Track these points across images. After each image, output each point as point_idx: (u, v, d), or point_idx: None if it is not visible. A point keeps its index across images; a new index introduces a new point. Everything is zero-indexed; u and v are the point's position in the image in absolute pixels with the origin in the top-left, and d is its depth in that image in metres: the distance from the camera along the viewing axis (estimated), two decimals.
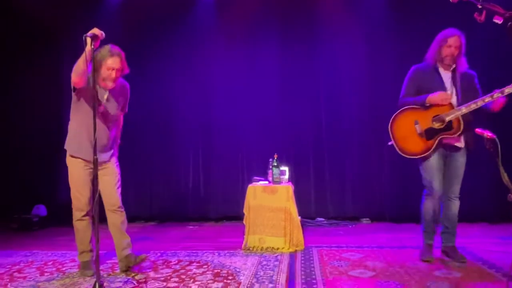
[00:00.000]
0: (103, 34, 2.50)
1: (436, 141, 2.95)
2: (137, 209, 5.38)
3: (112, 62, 2.72)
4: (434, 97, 2.91)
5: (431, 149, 2.96)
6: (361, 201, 5.06)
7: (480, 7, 1.97)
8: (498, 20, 1.87)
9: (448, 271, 2.83)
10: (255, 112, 5.19)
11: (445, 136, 2.94)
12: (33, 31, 5.34)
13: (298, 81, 5.20)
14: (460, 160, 3.03)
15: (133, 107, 5.22)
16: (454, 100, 2.95)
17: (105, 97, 2.83)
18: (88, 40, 2.41)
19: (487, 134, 2.42)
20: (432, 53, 3.04)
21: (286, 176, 3.96)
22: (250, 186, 3.79)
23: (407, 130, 3.03)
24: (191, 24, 5.32)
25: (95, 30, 2.44)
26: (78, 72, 2.56)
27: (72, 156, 2.87)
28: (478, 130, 2.64)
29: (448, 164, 3.06)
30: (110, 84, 2.79)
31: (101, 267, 2.91)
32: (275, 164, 3.85)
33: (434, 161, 3.02)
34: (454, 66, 3.01)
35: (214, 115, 5.31)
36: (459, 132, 2.90)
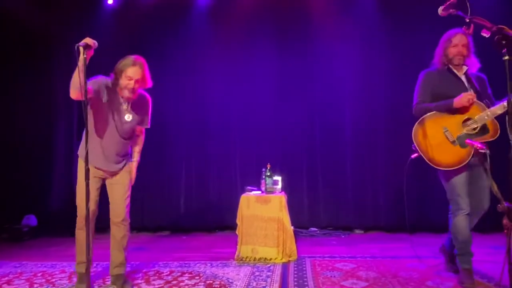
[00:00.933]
0: (96, 43, 2.47)
1: (473, 148, 2.65)
2: (130, 219, 5.33)
3: (132, 72, 2.68)
4: (460, 99, 2.63)
5: (470, 158, 2.64)
6: (354, 211, 5.06)
7: (468, 20, 2.01)
8: (485, 34, 1.91)
9: (441, 281, 2.84)
10: (249, 121, 5.20)
11: (481, 141, 2.65)
12: (25, 37, 5.32)
13: (292, 90, 5.21)
14: (486, 169, 2.70)
15: None
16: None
17: (124, 108, 2.80)
18: (81, 49, 2.39)
19: (477, 145, 2.45)
20: (439, 57, 2.87)
21: (279, 186, 3.96)
22: (243, 196, 3.79)
23: (437, 139, 2.71)
24: (186, 28, 5.33)
25: (88, 40, 2.41)
26: (74, 84, 2.51)
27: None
28: (468, 141, 2.66)
29: (474, 176, 2.77)
30: (127, 94, 2.73)
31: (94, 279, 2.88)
32: (268, 173, 3.85)
33: (464, 173, 2.72)
34: (466, 68, 2.83)
35: (207, 123, 5.31)
36: (497, 135, 2.63)
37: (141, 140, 3.10)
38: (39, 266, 3.53)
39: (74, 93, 2.55)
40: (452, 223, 2.79)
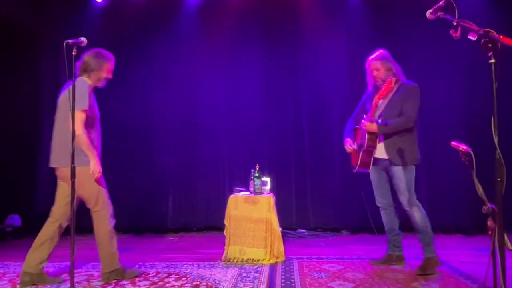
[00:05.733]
0: (85, 41, 2.52)
1: (360, 155, 3.20)
2: (116, 220, 5.27)
3: (112, 65, 3.03)
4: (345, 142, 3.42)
5: (358, 162, 3.21)
6: (341, 213, 5.09)
7: (455, 24, 2.03)
8: (472, 37, 1.93)
9: (426, 282, 2.86)
10: (237, 122, 5.20)
11: (363, 149, 3.17)
12: (11, 34, 5.22)
13: (280, 90, 5.23)
14: (395, 173, 3.14)
15: (113, 114, 5.25)
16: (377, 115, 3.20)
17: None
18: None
19: (462, 147, 2.47)
20: (368, 79, 3.35)
21: (268, 187, 3.96)
22: (231, 196, 3.77)
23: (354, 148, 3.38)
24: (174, 30, 5.32)
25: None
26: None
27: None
28: (453, 143, 2.70)
29: (389, 177, 3.25)
30: (100, 85, 3.02)
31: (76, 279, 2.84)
32: (257, 174, 3.84)
33: (372, 175, 3.35)
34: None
35: (195, 124, 5.29)
36: (365, 144, 3.13)
37: None
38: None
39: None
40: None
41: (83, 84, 2.83)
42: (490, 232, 1.91)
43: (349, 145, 3.36)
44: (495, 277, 1.90)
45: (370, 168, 3.24)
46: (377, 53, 3.23)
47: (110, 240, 2.95)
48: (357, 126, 3.36)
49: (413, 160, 3.12)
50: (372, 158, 3.20)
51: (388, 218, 3.37)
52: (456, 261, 3.47)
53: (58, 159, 2.91)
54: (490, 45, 1.84)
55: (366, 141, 3.14)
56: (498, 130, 1.82)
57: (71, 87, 2.51)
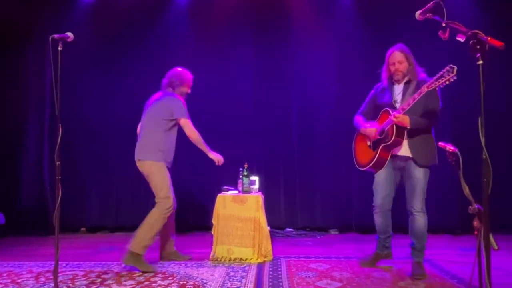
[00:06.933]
0: (71, 36, 2.51)
1: (378, 151, 3.03)
2: (102, 219, 5.22)
3: (191, 82, 3.64)
4: (363, 131, 3.19)
5: (374, 159, 3.05)
6: (329, 212, 5.11)
7: (444, 25, 2.05)
8: (460, 38, 1.94)
9: (413, 281, 2.88)
10: (226, 121, 5.16)
11: (384, 145, 2.99)
12: None
13: (270, 90, 5.22)
14: (414, 173, 2.97)
15: (102, 112, 5.19)
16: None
17: None
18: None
19: (449, 147, 2.49)
20: (384, 72, 3.17)
21: (256, 186, 3.95)
22: (219, 195, 3.75)
23: (363, 145, 3.24)
24: (164, 29, 5.26)
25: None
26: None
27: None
28: (440, 143, 2.72)
29: (404, 177, 3.08)
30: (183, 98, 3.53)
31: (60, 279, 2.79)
32: (245, 173, 3.82)
33: (383, 174, 3.12)
34: (407, 78, 3.05)
35: None
36: (392, 139, 2.91)
37: None
38: (5, 266, 3.39)
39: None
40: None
41: (179, 98, 3.45)
42: (476, 232, 1.93)
43: (371, 138, 3.12)
44: (480, 276, 1.92)
45: (384, 167, 3.06)
46: (401, 46, 3.08)
47: (152, 226, 3.26)
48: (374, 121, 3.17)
49: (433, 161, 2.99)
50: (390, 156, 3.02)
51: (383, 220, 3.19)
52: (442, 260, 3.51)
53: (140, 153, 3.43)
54: (478, 47, 1.86)
55: (393, 135, 2.90)
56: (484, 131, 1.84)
57: (165, 99, 3.41)
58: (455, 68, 2.49)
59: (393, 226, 3.29)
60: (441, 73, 2.56)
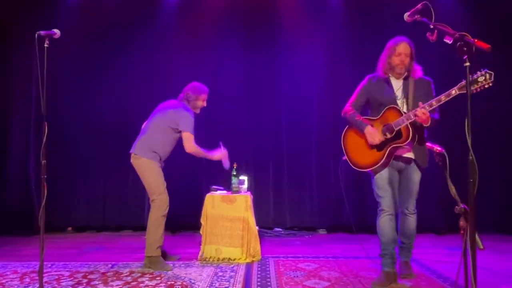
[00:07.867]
0: (58, 33, 2.47)
1: (386, 152, 2.75)
2: (89, 218, 5.15)
3: (206, 96, 3.74)
4: (368, 133, 2.80)
5: (382, 161, 2.76)
6: (318, 212, 5.12)
7: (432, 27, 2.07)
8: (448, 40, 1.97)
9: (400, 280, 2.90)
10: (215, 121, 5.14)
11: (395, 145, 2.73)
12: None
13: (259, 90, 5.21)
14: (414, 176, 2.87)
15: (89, 112, 5.12)
16: (405, 109, 2.78)
17: None
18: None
19: (436, 148, 2.52)
20: (383, 63, 2.87)
21: (245, 186, 3.94)
22: (208, 195, 3.74)
23: (359, 142, 2.87)
24: (154, 29, 5.23)
25: None
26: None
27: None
28: (428, 144, 2.76)
29: (402, 179, 2.91)
30: (198, 112, 3.69)
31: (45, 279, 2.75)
32: (234, 173, 3.82)
33: (385, 175, 2.82)
34: (406, 74, 2.84)
35: None
36: (408, 140, 2.69)
37: None
38: None
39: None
40: (377, 223, 2.87)
41: (190, 113, 3.51)
42: (462, 232, 1.95)
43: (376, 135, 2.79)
44: (466, 275, 1.95)
45: (385, 169, 2.82)
46: (407, 38, 2.83)
47: (156, 227, 3.31)
48: (370, 117, 2.90)
49: (427, 162, 2.86)
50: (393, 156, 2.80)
51: (393, 224, 2.87)
52: (428, 259, 3.55)
53: (138, 149, 3.45)
54: (465, 49, 1.89)
55: (408, 136, 2.68)
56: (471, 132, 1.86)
57: (177, 109, 3.48)
58: (492, 74, 2.27)
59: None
60: (475, 77, 2.29)
